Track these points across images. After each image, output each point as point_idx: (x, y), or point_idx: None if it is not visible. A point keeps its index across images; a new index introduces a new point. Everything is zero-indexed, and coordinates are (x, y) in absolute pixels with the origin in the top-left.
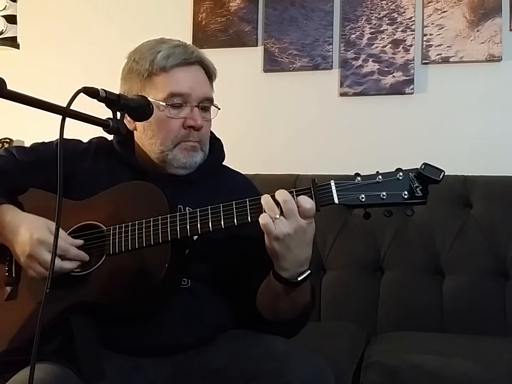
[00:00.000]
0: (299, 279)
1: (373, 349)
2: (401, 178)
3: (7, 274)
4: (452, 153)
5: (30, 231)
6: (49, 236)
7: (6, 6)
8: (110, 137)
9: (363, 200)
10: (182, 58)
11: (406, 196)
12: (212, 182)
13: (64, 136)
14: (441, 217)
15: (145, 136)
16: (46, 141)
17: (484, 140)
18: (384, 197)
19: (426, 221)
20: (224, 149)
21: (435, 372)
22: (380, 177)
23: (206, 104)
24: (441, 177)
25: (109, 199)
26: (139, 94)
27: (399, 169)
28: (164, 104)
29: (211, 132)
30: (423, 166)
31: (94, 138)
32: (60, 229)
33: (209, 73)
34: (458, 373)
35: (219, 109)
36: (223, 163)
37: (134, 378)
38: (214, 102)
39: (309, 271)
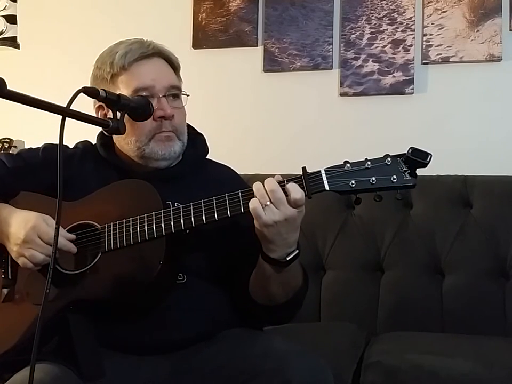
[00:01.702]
0: (288, 258)
1: (373, 349)
2: (389, 163)
3: (3, 276)
4: (451, 153)
5: (24, 220)
6: (44, 224)
7: (6, 6)
8: (94, 140)
9: (353, 186)
10: (139, 52)
11: (394, 180)
12: (198, 176)
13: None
14: (441, 217)
15: (120, 136)
16: (32, 147)
17: (484, 139)
18: (374, 182)
19: (426, 221)
20: (208, 142)
21: (435, 372)
22: (369, 163)
23: (173, 92)
24: (428, 159)
25: (102, 198)
26: None
27: (387, 155)
28: None
29: (192, 128)
30: (410, 150)
31: (79, 142)
32: (53, 221)
33: (171, 63)
34: (458, 373)
35: (188, 95)
36: (208, 157)
37: (133, 377)
38: (183, 91)
39: (297, 251)
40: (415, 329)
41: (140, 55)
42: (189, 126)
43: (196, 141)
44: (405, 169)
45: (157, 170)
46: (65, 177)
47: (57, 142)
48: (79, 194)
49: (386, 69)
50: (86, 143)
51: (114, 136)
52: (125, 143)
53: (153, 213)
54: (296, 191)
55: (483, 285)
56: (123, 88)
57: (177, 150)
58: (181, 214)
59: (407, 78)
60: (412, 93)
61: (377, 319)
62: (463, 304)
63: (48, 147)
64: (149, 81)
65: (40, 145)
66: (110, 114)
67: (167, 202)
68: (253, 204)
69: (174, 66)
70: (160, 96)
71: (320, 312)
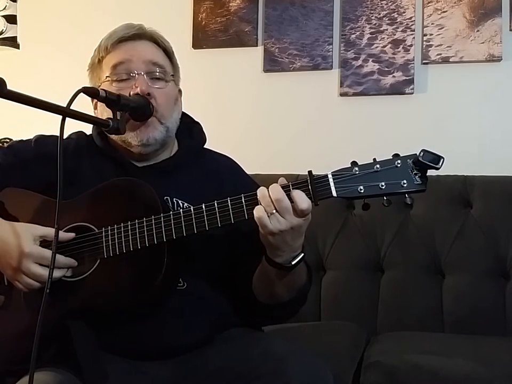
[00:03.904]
0: (293, 263)
1: (373, 349)
2: (399, 165)
3: None
4: (452, 153)
5: (14, 243)
6: (35, 247)
7: (6, 6)
8: (88, 131)
9: (362, 191)
10: (122, 33)
11: (405, 185)
12: (196, 167)
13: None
14: (441, 217)
15: None
16: (24, 139)
17: (484, 139)
18: (383, 187)
19: (426, 221)
20: (207, 142)
21: (435, 372)
22: (378, 166)
23: (154, 69)
24: (441, 164)
25: (98, 198)
26: (96, 84)
27: (396, 156)
28: (109, 79)
29: (188, 116)
30: (422, 153)
31: (72, 133)
32: (48, 235)
33: (159, 45)
34: (458, 373)
35: (172, 75)
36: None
37: (135, 381)
38: (173, 74)
39: (302, 254)
40: (415, 329)
41: (123, 35)
42: (185, 114)
43: (192, 130)
44: (415, 172)
45: (153, 164)
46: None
47: (49, 134)
48: (75, 190)
49: (386, 69)
50: (80, 134)
51: None
52: None
53: (153, 217)
54: (302, 201)
55: (483, 285)
56: (105, 69)
57: (158, 136)
58: (182, 219)
59: (407, 78)
60: (412, 93)
61: (377, 319)
62: (463, 304)
63: (40, 139)
64: (127, 56)
65: (31, 137)
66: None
67: (165, 197)
68: (258, 212)
69: (164, 50)
70: (140, 73)
71: (320, 312)
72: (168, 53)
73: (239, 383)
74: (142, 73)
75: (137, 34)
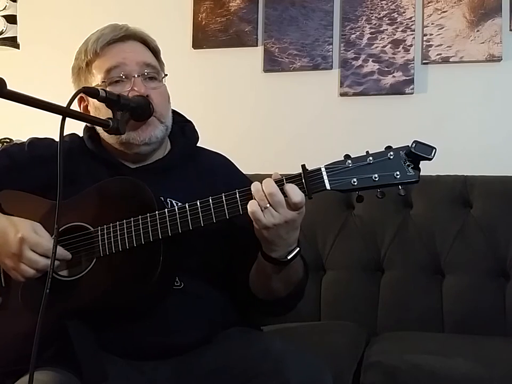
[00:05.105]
0: (288, 257)
1: (373, 349)
2: (392, 157)
3: None
4: (451, 153)
5: (13, 231)
6: (33, 234)
7: (6, 6)
8: (81, 133)
9: (355, 184)
10: (111, 36)
11: (398, 176)
12: (190, 166)
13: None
14: (441, 217)
15: None
16: (17, 142)
17: (484, 139)
18: (376, 179)
19: (426, 221)
20: (207, 142)
21: (435, 372)
22: (371, 158)
23: (148, 70)
24: (433, 154)
25: (93, 197)
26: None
27: (389, 148)
28: (105, 83)
29: (180, 115)
30: (414, 144)
31: (66, 135)
32: (44, 230)
33: (148, 45)
34: (458, 373)
35: (166, 74)
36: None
37: (135, 381)
38: (164, 72)
39: (298, 249)
40: (415, 329)
41: (112, 37)
42: (176, 113)
43: (184, 129)
44: (408, 163)
45: (147, 165)
46: (52, 173)
47: (43, 136)
48: (69, 192)
49: (386, 69)
50: (73, 136)
51: (97, 127)
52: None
53: (148, 215)
54: (295, 194)
55: (483, 285)
56: (97, 74)
57: (159, 134)
58: (177, 216)
59: (407, 78)
60: (412, 93)
61: (377, 319)
62: (463, 304)
63: (34, 142)
64: (120, 59)
65: (24, 140)
66: (90, 105)
67: (160, 197)
68: (252, 207)
69: (153, 49)
70: (135, 76)
71: (320, 312)
72: (156, 52)
73: (238, 382)
74: (138, 75)
75: (125, 36)
